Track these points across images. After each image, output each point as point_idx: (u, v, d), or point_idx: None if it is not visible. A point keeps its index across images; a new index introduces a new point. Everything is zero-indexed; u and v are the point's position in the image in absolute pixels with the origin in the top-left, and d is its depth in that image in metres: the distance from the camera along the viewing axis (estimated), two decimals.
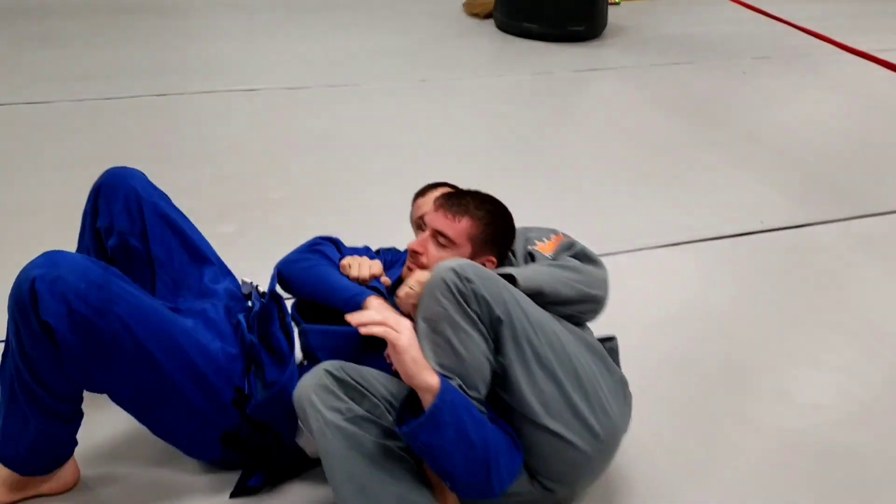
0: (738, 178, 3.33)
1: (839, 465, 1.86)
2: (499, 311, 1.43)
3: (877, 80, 4.68)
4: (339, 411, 1.42)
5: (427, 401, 1.37)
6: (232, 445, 1.64)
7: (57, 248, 1.46)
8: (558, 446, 1.48)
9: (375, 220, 2.85)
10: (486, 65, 4.68)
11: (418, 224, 1.95)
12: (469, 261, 1.48)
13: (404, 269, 1.78)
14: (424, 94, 4.13)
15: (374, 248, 2.02)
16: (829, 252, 2.80)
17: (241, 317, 1.72)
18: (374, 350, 1.62)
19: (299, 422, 1.54)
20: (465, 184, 2.05)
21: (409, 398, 1.43)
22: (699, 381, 2.13)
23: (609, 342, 1.69)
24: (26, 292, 1.38)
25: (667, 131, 3.80)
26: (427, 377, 1.37)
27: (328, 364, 1.47)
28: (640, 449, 1.87)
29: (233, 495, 1.67)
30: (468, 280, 1.42)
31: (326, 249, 1.85)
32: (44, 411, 1.51)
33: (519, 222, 1.84)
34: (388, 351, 1.40)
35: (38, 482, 1.63)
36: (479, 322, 1.43)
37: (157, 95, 3.90)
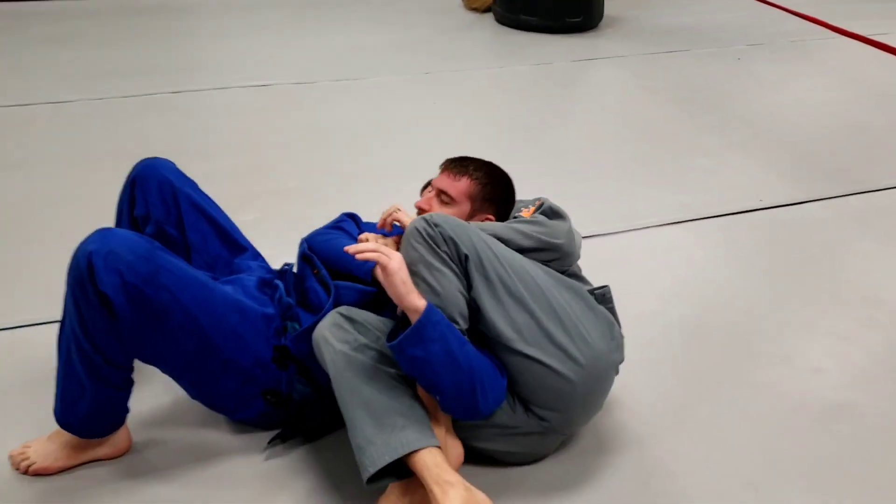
0: (734, 160, 3.46)
1: (838, 426, 1.98)
2: (465, 249, 1.62)
3: (868, 61, 4.81)
4: (347, 342, 1.62)
5: (414, 319, 1.54)
6: (273, 401, 1.77)
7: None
8: (540, 372, 1.63)
9: (387, 205, 2.98)
10: (487, 56, 4.81)
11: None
12: (439, 213, 1.67)
13: None
14: (429, 86, 4.25)
15: None
16: (825, 227, 2.93)
17: (278, 282, 1.86)
18: (390, 307, 1.77)
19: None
20: None
21: (401, 321, 1.60)
22: (703, 348, 2.25)
23: (601, 289, 1.83)
24: (84, 266, 1.51)
25: (665, 117, 3.93)
26: (415, 298, 1.56)
27: (340, 308, 1.69)
28: (647, 410, 1.99)
29: (270, 442, 1.81)
30: (436, 225, 1.62)
31: (347, 226, 2.03)
32: (100, 378, 1.63)
33: None
34: (380, 276, 1.56)
35: (95, 446, 1.75)
36: (449, 261, 1.62)
37: (172, 93, 4.03)
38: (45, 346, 2.08)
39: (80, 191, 3.02)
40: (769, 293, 2.51)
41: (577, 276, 1.86)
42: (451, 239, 1.62)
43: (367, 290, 1.84)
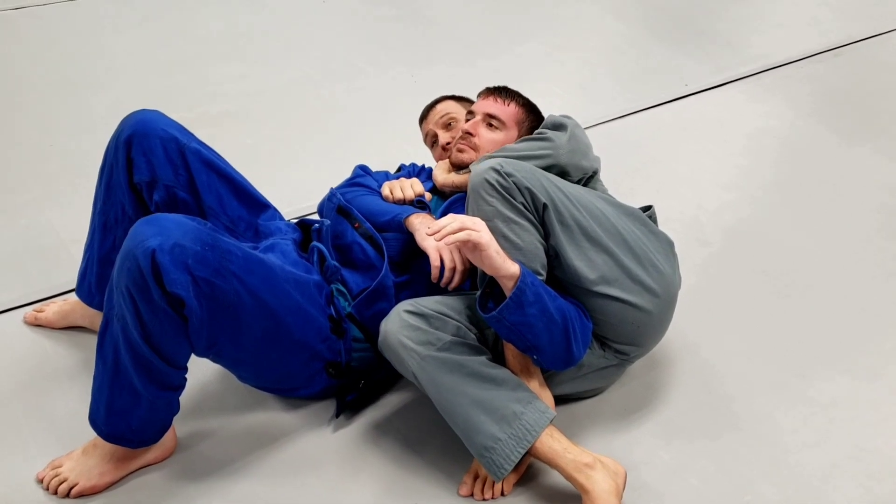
0: None
1: None
2: (543, 198, 1.53)
3: None
4: (430, 343, 1.52)
5: (508, 286, 1.48)
6: (336, 373, 1.64)
7: None
8: (621, 310, 1.60)
9: (329, 126, 2.78)
10: None
11: (433, 140, 2.02)
12: (503, 157, 1.58)
13: (453, 151, 1.85)
14: None
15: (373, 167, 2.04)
16: None
17: (317, 244, 1.70)
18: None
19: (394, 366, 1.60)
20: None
21: (488, 288, 1.53)
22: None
23: (647, 210, 1.81)
24: (146, 266, 1.30)
25: None
26: (509, 265, 1.48)
27: (403, 304, 1.58)
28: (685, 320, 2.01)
29: (338, 414, 1.69)
30: (508, 174, 1.52)
31: (366, 181, 1.89)
32: (159, 383, 1.44)
33: None
34: (467, 252, 1.47)
35: (142, 453, 1.56)
36: (526, 211, 1.54)
37: (14, 9, 3.46)
38: None
39: None
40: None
41: None
42: (528, 189, 1.52)
43: (408, 237, 1.72)
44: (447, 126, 1.98)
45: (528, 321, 1.47)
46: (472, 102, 2.05)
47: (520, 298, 1.46)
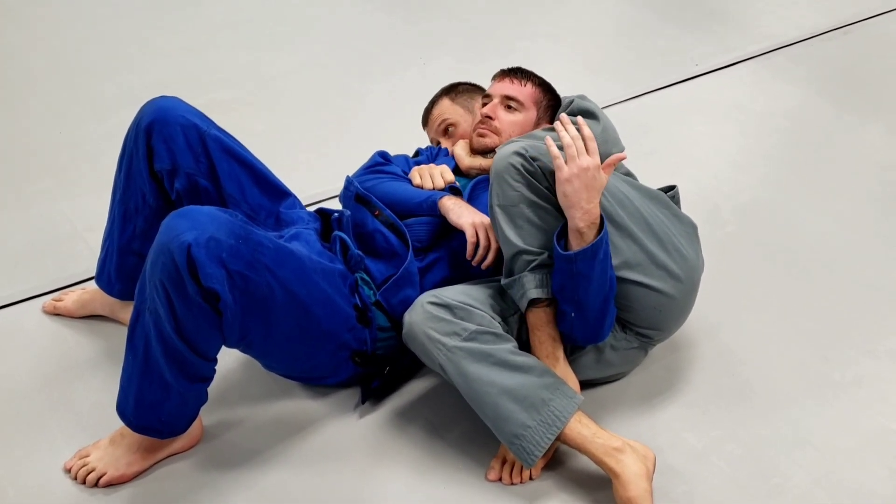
0: None
1: None
2: None
3: None
4: (456, 334, 1.52)
5: (592, 233, 1.47)
6: (362, 361, 1.64)
7: None
8: (644, 294, 1.60)
9: (339, 112, 2.76)
10: None
11: (444, 130, 2.00)
12: (525, 141, 1.57)
13: (474, 136, 1.85)
14: None
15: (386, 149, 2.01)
16: None
17: (339, 234, 1.68)
18: (459, 232, 1.67)
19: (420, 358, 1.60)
20: None
21: (561, 232, 1.52)
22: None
23: (671, 191, 1.80)
24: (182, 261, 1.29)
25: None
26: (596, 207, 1.48)
27: (426, 296, 1.58)
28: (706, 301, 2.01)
29: (363, 401, 1.69)
30: (534, 159, 1.52)
31: (388, 168, 1.87)
32: (190, 375, 1.44)
33: None
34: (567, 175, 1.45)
35: (170, 442, 1.55)
36: (552, 195, 1.53)
37: None
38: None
39: None
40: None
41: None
42: (552, 173, 1.51)
43: (436, 220, 1.72)
44: (446, 132, 1.99)
45: (590, 275, 1.47)
46: (468, 87, 2.05)
47: (596, 249, 1.46)
